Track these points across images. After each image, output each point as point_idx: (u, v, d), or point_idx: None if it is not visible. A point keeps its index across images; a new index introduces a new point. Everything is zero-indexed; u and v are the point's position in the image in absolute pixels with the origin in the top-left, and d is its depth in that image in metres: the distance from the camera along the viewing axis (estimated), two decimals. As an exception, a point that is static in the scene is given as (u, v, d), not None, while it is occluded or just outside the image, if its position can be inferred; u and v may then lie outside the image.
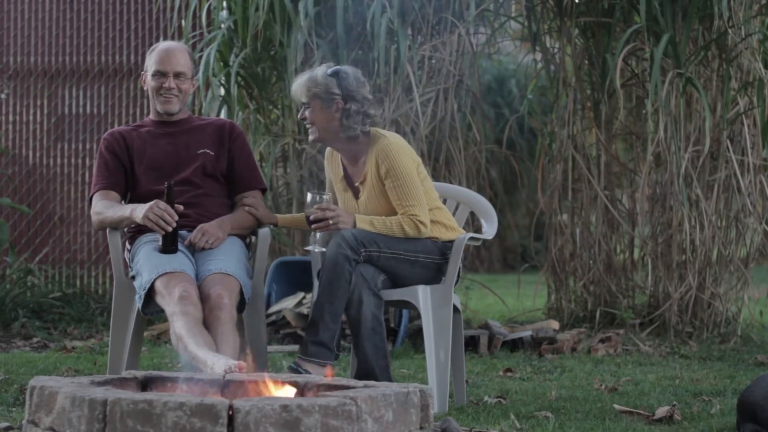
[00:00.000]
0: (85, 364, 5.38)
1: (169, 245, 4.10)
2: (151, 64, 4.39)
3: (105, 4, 7.62)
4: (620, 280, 6.81)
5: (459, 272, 4.37)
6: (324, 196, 4.17)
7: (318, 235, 4.21)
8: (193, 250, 4.21)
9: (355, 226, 4.14)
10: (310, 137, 4.31)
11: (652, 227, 6.70)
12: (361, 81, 4.29)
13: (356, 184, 4.31)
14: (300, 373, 3.93)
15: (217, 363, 3.53)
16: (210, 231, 4.22)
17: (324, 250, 4.18)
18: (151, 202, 4.12)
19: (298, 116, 4.33)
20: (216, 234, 4.22)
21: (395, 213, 4.23)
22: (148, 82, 4.40)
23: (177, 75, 4.36)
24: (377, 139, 4.26)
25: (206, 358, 3.62)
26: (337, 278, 4.10)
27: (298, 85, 4.29)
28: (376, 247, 4.16)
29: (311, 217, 4.14)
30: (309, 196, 4.19)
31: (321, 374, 3.98)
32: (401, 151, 4.23)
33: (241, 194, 4.44)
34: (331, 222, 4.12)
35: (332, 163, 4.42)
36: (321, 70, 4.29)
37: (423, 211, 4.20)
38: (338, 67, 4.31)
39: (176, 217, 4.10)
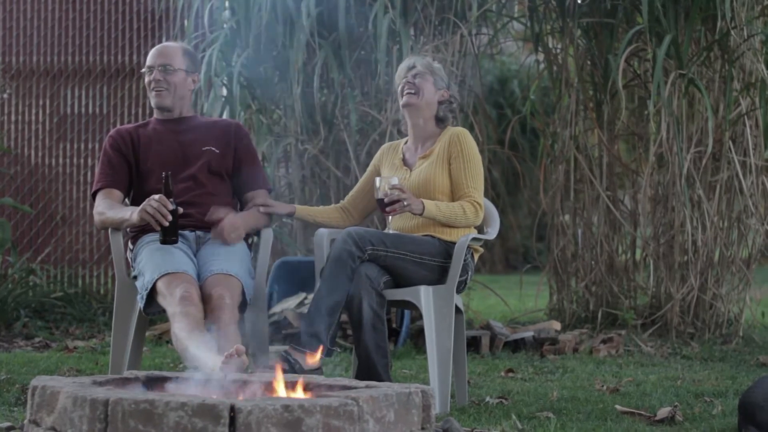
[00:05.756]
0: (86, 364, 5.39)
1: (168, 236, 4.07)
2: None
3: (107, 4, 7.62)
4: (622, 281, 6.81)
5: (468, 278, 4.38)
6: (392, 180, 4.22)
7: (391, 218, 4.32)
8: (221, 241, 4.20)
9: (423, 208, 4.21)
10: (408, 100, 4.44)
11: (654, 228, 6.70)
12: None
13: (417, 158, 4.45)
14: (289, 361, 3.96)
15: (218, 363, 3.53)
16: (240, 226, 4.23)
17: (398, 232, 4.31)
18: (147, 199, 4.11)
19: (406, 80, 4.46)
20: (241, 230, 4.24)
21: (442, 189, 4.34)
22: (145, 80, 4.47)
23: (163, 67, 4.38)
24: (452, 128, 4.49)
25: (207, 359, 3.61)
26: (339, 273, 4.11)
27: (418, 58, 4.53)
28: (384, 246, 4.17)
29: (386, 200, 4.18)
30: (378, 181, 4.24)
31: (310, 365, 4.00)
32: (473, 142, 4.44)
33: (246, 194, 4.45)
34: (405, 204, 4.18)
35: (389, 153, 4.57)
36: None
37: (482, 198, 4.37)
38: None
39: (170, 207, 4.06)
